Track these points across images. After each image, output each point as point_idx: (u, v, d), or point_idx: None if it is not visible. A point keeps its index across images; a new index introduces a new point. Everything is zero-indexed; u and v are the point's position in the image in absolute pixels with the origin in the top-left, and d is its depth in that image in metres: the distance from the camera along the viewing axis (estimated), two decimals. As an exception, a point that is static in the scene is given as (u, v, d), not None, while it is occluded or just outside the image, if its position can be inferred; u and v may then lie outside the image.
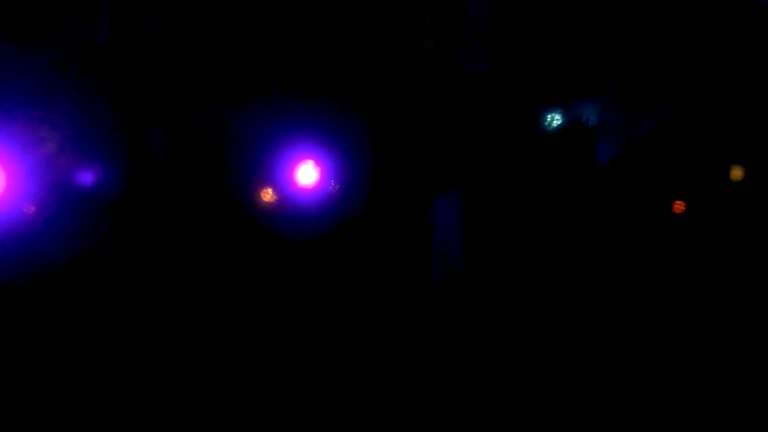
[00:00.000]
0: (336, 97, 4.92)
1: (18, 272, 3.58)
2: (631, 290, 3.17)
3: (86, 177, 4.03)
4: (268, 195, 3.89)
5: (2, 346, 3.37)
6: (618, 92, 5.25)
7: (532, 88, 5.58)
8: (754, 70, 5.42)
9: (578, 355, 3.07)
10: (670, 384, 2.91)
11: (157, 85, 2.47)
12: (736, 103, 5.63)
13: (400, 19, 5.32)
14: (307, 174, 4.54)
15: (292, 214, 4.28)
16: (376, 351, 3.79)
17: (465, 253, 3.69)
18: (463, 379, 3.42)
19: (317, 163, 4.60)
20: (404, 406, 3.41)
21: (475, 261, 3.74)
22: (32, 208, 3.56)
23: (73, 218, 3.81)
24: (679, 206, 3.80)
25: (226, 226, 2.78)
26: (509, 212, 4.12)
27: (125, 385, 3.05)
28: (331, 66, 5.10)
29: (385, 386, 3.59)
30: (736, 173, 4.16)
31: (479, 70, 5.89)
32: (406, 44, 5.25)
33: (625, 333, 3.14)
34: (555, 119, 4.77)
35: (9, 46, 3.76)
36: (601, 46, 5.17)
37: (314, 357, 3.69)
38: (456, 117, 4.96)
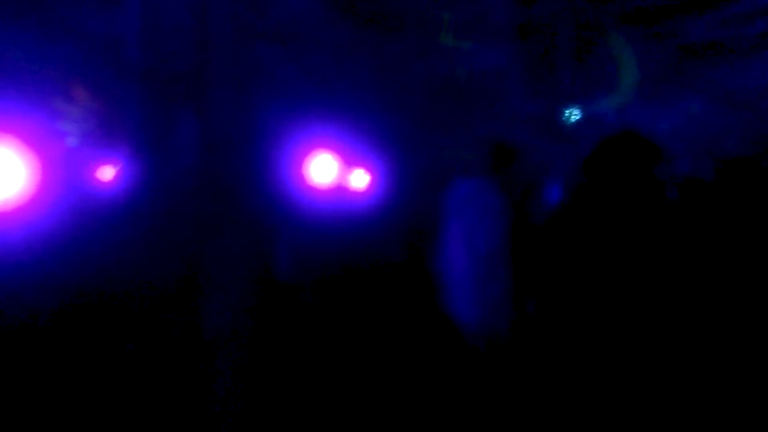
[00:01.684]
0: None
1: (38, 271, 3.52)
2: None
3: (110, 173, 3.97)
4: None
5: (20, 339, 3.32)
6: (637, 88, 5.18)
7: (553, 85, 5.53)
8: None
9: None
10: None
11: (185, 80, 2.36)
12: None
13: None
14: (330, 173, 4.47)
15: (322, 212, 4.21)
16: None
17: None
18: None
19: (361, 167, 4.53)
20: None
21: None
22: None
23: (95, 215, 3.74)
24: None
25: (259, 225, 2.68)
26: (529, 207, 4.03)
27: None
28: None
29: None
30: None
31: (500, 66, 5.83)
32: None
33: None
34: (573, 115, 4.69)
35: (32, 39, 3.70)
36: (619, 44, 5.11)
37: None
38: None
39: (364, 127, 5.12)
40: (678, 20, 5.66)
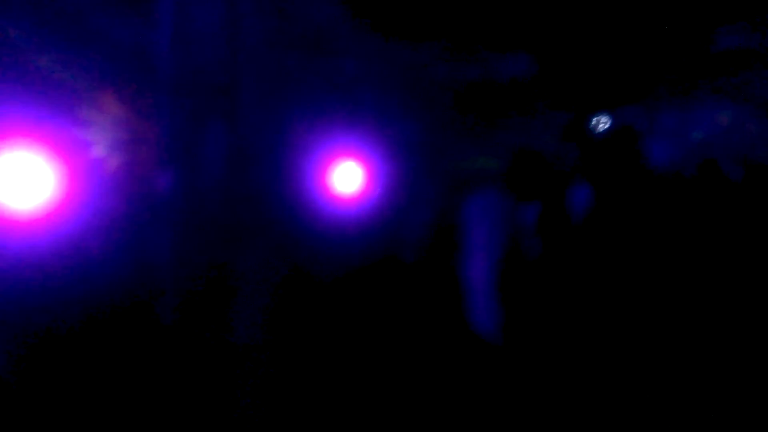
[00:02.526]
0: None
1: (65, 277, 3.53)
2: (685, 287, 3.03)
3: (139, 182, 3.96)
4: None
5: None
6: (670, 96, 5.06)
7: (580, 92, 5.45)
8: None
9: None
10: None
11: (215, 91, 2.34)
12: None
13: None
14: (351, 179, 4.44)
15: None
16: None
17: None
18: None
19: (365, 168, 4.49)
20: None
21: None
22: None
23: (124, 223, 3.74)
24: None
25: (285, 232, 2.66)
26: (558, 212, 3.97)
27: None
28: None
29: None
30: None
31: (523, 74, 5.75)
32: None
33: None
34: (602, 122, 4.59)
35: (61, 48, 3.70)
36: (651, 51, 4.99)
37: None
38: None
39: (388, 135, 5.09)
40: (710, 28, 5.56)
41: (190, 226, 2.52)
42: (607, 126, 3.97)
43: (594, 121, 4.44)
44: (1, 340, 3.19)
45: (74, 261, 3.51)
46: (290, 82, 3.67)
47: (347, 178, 4.63)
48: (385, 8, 5.25)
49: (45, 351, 3.37)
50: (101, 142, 3.69)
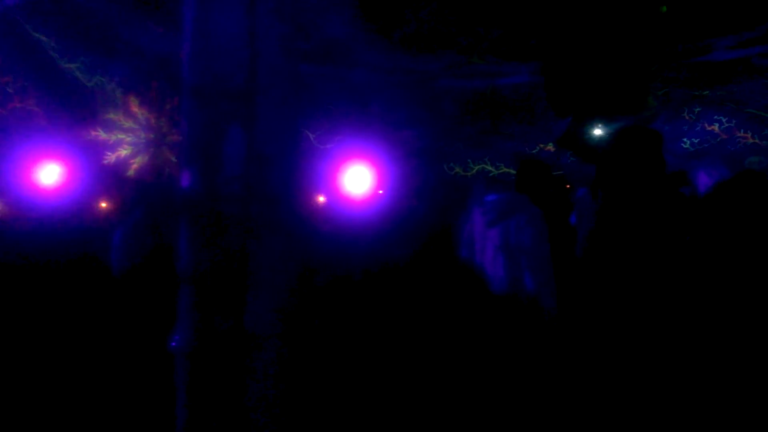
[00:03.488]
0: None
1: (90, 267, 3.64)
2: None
3: (158, 183, 4.12)
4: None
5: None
6: (664, 107, 5.16)
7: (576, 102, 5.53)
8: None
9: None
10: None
11: (234, 97, 2.48)
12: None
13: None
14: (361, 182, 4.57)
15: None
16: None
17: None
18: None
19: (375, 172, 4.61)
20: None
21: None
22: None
23: (145, 220, 3.87)
24: None
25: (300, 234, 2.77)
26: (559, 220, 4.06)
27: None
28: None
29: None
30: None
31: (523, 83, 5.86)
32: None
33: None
34: (598, 129, 4.70)
35: (92, 55, 3.87)
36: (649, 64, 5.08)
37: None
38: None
39: (397, 141, 5.20)
40: (702, 39, 5.66)
41: (209, 221, 2.63)
42: (602, 133, 4.10)
43: (589, 128, 4.56)
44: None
45: (98, 252, 3.65)
46: (306, 90, 3.82)
47: (358, 180, 4.76)
48: (394, 23, 5.40)
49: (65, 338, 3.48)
50: (128, 144, 3.86)
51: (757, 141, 5.95)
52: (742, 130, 6.12)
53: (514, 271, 3.61)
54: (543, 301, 3.54)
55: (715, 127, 6.04)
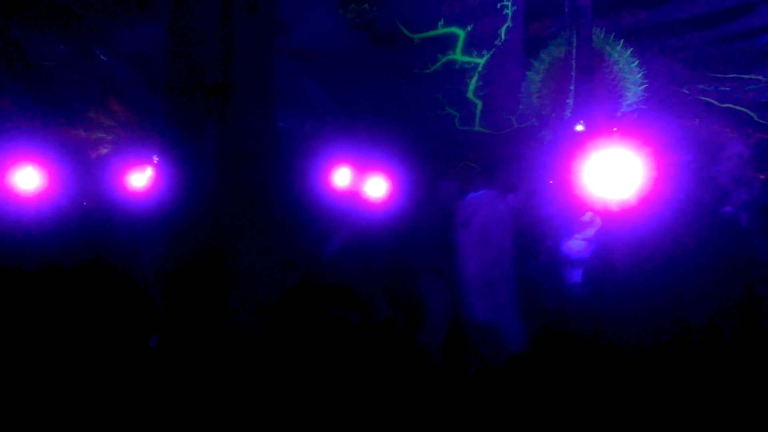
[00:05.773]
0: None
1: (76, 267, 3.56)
2: None
3: (141, 179, 4.02)
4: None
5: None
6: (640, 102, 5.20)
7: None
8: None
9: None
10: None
11: (210, 93, 2.41)
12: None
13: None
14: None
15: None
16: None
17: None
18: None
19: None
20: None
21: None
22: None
23: (127, 218, 3.79)
24: None
25: (278, 228, 2.70)
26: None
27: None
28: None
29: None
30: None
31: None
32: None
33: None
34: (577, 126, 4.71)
35: (70, 53, 3.78)
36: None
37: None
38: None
39: (377, 136, 5.15)
40: (681, 35, 5.65)
41: (188, 218, 2.57)
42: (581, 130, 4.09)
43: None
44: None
45: (78, 252, 3.56)
46: (285, 87, 3.74)
47: (339, 177, 4.70)
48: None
49: (50, 339, 3.40)
50: (107, 142, 3.77)
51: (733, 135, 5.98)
52: (719, 126, 6.18)
53: (483, 266, 3.65)
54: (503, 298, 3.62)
55: (694, 122, 6.10)
